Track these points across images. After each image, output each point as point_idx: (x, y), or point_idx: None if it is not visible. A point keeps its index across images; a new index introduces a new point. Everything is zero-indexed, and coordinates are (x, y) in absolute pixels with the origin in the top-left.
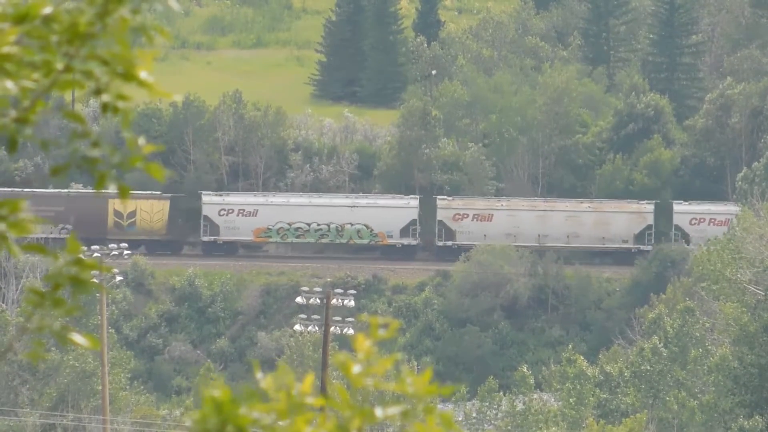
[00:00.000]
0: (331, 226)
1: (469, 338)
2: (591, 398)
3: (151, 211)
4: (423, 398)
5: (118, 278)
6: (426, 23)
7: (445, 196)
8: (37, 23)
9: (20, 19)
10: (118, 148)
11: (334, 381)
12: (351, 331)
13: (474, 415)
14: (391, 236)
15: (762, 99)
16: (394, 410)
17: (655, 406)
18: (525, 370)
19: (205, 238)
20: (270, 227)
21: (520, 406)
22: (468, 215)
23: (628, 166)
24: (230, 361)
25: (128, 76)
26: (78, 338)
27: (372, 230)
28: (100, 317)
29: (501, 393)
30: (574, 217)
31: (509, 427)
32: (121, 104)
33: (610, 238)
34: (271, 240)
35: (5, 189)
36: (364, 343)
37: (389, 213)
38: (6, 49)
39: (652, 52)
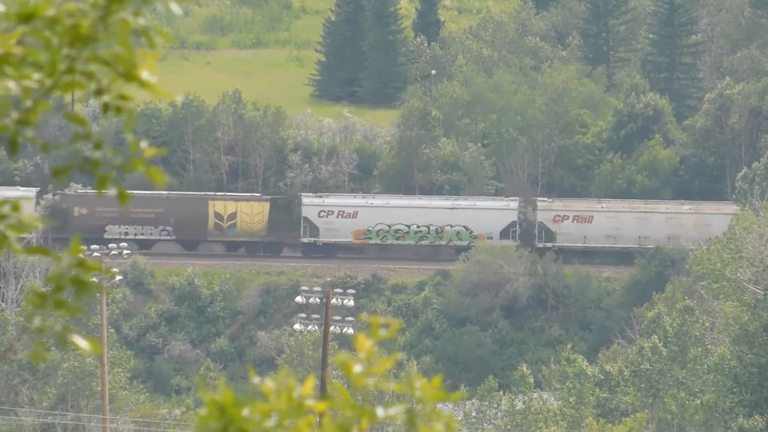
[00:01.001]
0: (431, 227)
1: (469, 338)
2: (591, 397)
3: (251, 212)
4: (430, 403)
5: (118, 278)
6: (426, 23)
7: (545, 198)
8: (39, 24)
9: (25, 18)
10: (119, 150)
11: (334, 381)
12: (351, 331)
13: (474, 414)
14: (490, 238)
15: (761, 99)
16: (395, 410)
17: (655, 406)
18: (524, 369)
19: (305, 240)
20: (370, 229)
21: (519, 406)
22: (568, 217)
23: (627, 165)
24: (230, 361)
25: (130, 77)
26: (79, 341)
27: (471, 232)
28: (99, 317)
29: (501, 392)
30: (674, 218)
31: (509, 427)
32: (122, 104)
33: None
34: (370, 242)
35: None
36: (365, 343)
37: (489, 215)
38: (9, 50)
39: (652, 52)
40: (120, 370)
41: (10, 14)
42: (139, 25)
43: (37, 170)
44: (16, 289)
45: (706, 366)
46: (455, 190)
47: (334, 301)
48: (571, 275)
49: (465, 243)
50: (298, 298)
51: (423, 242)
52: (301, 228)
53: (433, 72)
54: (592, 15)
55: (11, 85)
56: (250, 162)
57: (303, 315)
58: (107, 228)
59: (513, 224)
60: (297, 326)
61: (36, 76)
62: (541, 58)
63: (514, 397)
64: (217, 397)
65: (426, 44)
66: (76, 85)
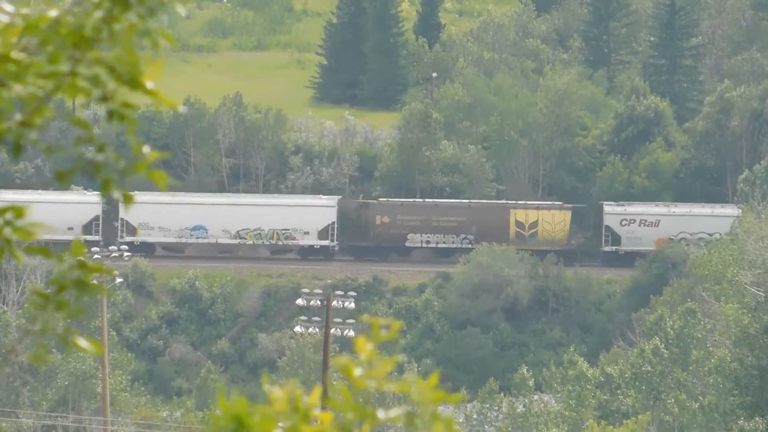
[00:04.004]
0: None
1: (470, 340)
2: (591, 400)
3: (552, 221)
4: (429, 405)
5: (118, 280)
6: (427, 26)
7: (612, 202)
8: (45, 28)
9: (29, 29)
10: (122, 153)
11: (336, 382)
12: (351, 333)
13: (474, 416)
14: None
15: (762, 101)
16: (396, 412)
17: (656, 408)
18: (525, 371)
19: (607, 249)
20: (672, 237)
21: (520, 408)
22: (635, 220)
23: (628, 168)
24: (231, 363)
25: (134, 84)
26: (82, 342)
27: None
28: (100, 319)
29: (501, 394)
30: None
31: (510, 429)
32: (126, 112)
33: None
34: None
35: (400, 200)
36: (365, 346)
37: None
38: (12, 54)
39: (653, 54)
40: (120, 372)
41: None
42: (144, 28)
43: (39, 172)
44: (17, 291)
45: (707, 368)
46: (456, 193)
47: (334, 303)
48: (571, 278)
49: None
50: (299, 301)
51: None
52: (603, 237)
53: (434, 75)
54: (593, 18)
55: (16, 88)
56: (251, 164)
57: (304, 317)
58: (408, 237)
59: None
60: (298, 329)
61: (39, 80)
62: (542, 61)
63: (515, 399)
64: (232, 405)
65: (427, 47)
66: (81, 90)
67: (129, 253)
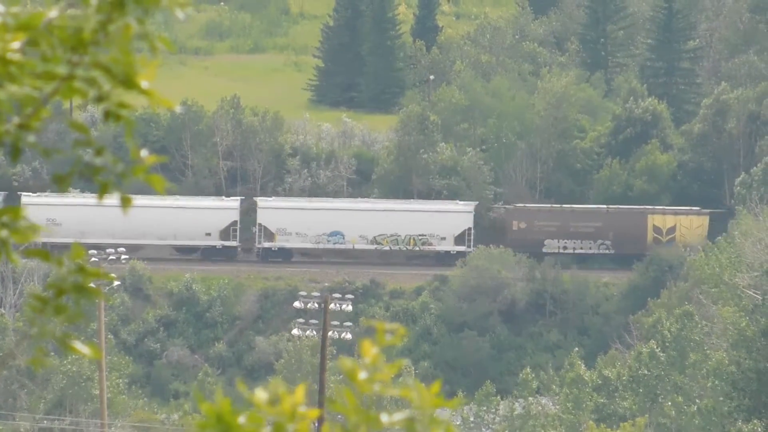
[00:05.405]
0: None
1: (467, 343)
2: (589, 403)
3: (690, 227)
4: (429, 410)
5: (115, 283)
6: (424, 28)
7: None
8: (40, 29)
9: (22, 28)
10: (120, 156)
11: (337, 385)
12: (349, 336)
13: (471, 419)
14: None
15: (759, 104)
16: (399, 416)
17: (653, 411)
18: (528, 373)
19: None
20: None
21: (518, 410)
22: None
23: (625, 170)
24: (228, 366)
25: (129, 84)
26: (80, 346)
27: None
28: (97, 323)
29: (498, 397)
30: None
31: (507, 431)
32: (121, 113)
33: None
34: None
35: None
36: (370, 349)
37: None
38: (9, 56)
39: (650, 57)
40: (117, 374)
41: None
42: (141, 31)
43: (36, 175)
44: (14, 294)
45: (704, 371)
46: (453, 196)
47: (332, 306)
48: (569, 280)
49: None
50: (297, 304)
51: None
52: None
53: (432, 77)
54: (591, 20)
55: (13, 89)
56: (248, 167)
57: (301, 320)
58: (545, 242)
59: None
60: (295, 331)
61: (36, 82)
62: (539, 64)
63: (514, 401)
64: (215, 406)
65: (424, 49)
66: (77, 91)
67: (126, 256)
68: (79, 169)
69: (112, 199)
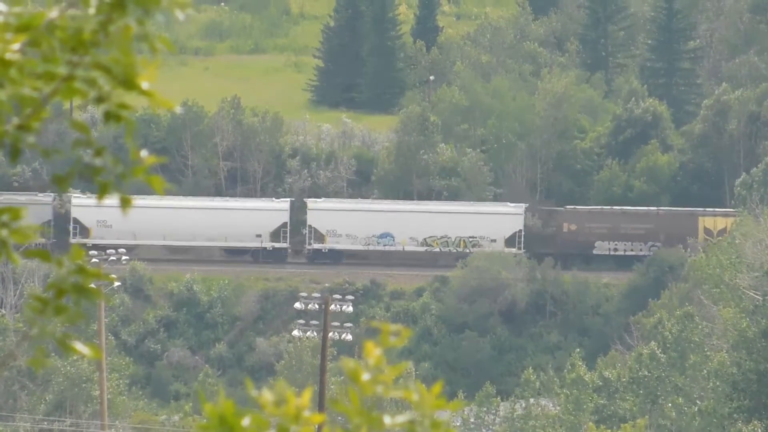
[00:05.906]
0: None
1: (468, 343)
2: (589, 404)
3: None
4: (430, 412)
5: (115, 284)
6: (424, 29)
7: None
8: (40, 29)
9: (23, 29)
10: (120, 157)
11: (341, 386)
12: (349, 337)
13: (472, 420)
14: None
15: (759, 104)
16: (401, 418)
17: (654, 412)
18: (531, 373)
19: None
20: None
21: (519, 411)
22: None
23: (625, 171)
24: (228, 367)
25: (129, 84)
26: (80, 347)
27: None
28: (98, 323)
29: (498, 398)
30: None
31: None
32: (122, 113)
33: None
34: None
35: (581, 206)
36: (374, 351)
37: None
38: (8, 56)
39: (651, 57)
40: (118, 375)
41: (7, 25)
42: (141, 31)
43: (36, 176)
44: (14, 295)
45: (705, 372)
46: (453, 196)
47: (333, 307)
48: (569, 281)
49: None
50: (297, 304)
51: None
52: None
53: (432, 78)
54: (591, 21)
55: (11, 89)
56: (248, 167)
57: (302, 321)
58: (596, 244)
59: None
60: (296, 332)
61: (36, 82)
62: (539, 64)
63: (515, 401)
64: (217, 408)
65: (424, 50)
66: (78, 92)
67: (127, 257)
68: (79, 169)
69: (166, 201)
